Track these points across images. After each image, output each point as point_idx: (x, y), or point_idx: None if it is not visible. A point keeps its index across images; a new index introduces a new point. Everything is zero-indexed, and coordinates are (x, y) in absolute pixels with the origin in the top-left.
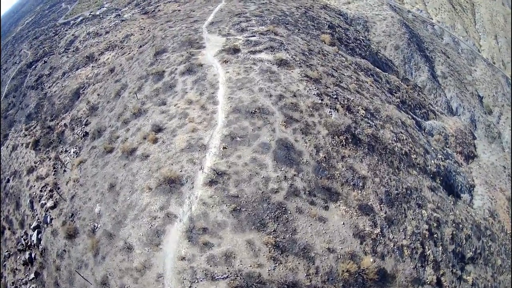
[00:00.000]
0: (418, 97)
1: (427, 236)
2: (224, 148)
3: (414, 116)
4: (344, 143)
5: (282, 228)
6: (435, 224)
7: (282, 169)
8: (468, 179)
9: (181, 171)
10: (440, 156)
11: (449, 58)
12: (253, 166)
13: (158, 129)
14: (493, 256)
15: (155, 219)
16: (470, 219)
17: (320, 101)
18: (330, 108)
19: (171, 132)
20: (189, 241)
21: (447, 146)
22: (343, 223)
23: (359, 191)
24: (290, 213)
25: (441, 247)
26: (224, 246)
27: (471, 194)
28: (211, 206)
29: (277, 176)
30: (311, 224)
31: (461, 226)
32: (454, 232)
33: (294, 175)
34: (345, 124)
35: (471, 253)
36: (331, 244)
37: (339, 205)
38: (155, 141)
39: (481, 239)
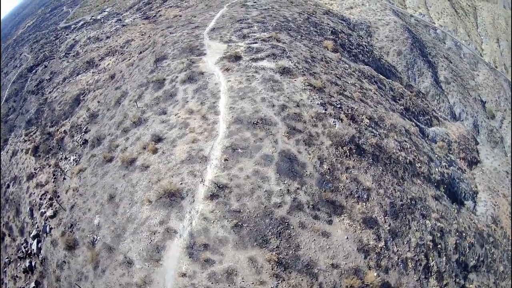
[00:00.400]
0: (422, 104)
1: (431, 247)
2: (225, 160)
3: (418, 123)
4: (348, 153)
5: (285, 244)
6: (438, 234)
7: (285, 182)
8: (471, 186)
9: (182, 183)
10: (444, 164)
11: (451, 63)
12: (255, 179)
13: (158, 139)
14: (495, 263)
15: (154, 234)
16: (473, 226)
17: (323, 111)
18: (334, 118)
19: (171, 143)
20: (189, 257)
21: (451, 152)
22: (347, 238)
23: (364, 204)
24: (293, 228)
25: (444, 257)
26: (226, 263)
27: (474, 201)
28: (212, 221)
29: (280, 189)
30: (314, 240)
31: (464, 234)
32: (457, 241)
33: (298, 188)
34: (349, 134)
35: (474, 261)
36: (334, 259)
37: (343, 219)
38: (155, 151)
39: (484, 247)
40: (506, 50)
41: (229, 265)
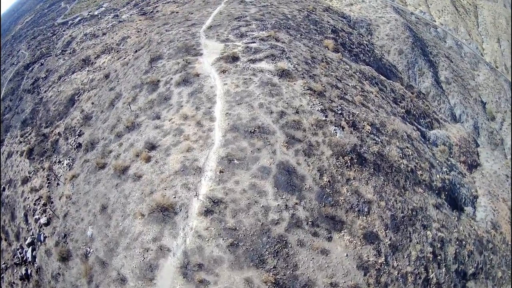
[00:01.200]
0: (423, 105)
1: (431, 259)
2: (220, 172)
3: (419, 127)
4: (349, 164)
5: (283, 264)
6: (439, 245)
7: (283, 196)
8: (472, 190)
9: (175, 197)
10: (445, 169)
11: (452, 62)
12: (252, 194)
13: (152, 146)
14: (493, 269)
15: (147, 251)
16: (473, 233)
17: (324, 118)
18: (335, 126)
19: (165, 151)
20: (184, 277)
21: (451, 156)
22: (347, 255)
23: (364, 218)
24: (291, 246)
25: (444, 268)
26: (221, 284)
27: (474, 206)
28: (207, 239)
29: (278, 205)
30: (313, 258)
31: (464, 242)
32: (457, 250)
33: (296, 203)
34: (351, 143)
35: (473, 269)
36: (333, 278)
37: (343, 235)
38: (148, 160)
39: (483, 254)
40: (506, 50)
41: (224, 286)
